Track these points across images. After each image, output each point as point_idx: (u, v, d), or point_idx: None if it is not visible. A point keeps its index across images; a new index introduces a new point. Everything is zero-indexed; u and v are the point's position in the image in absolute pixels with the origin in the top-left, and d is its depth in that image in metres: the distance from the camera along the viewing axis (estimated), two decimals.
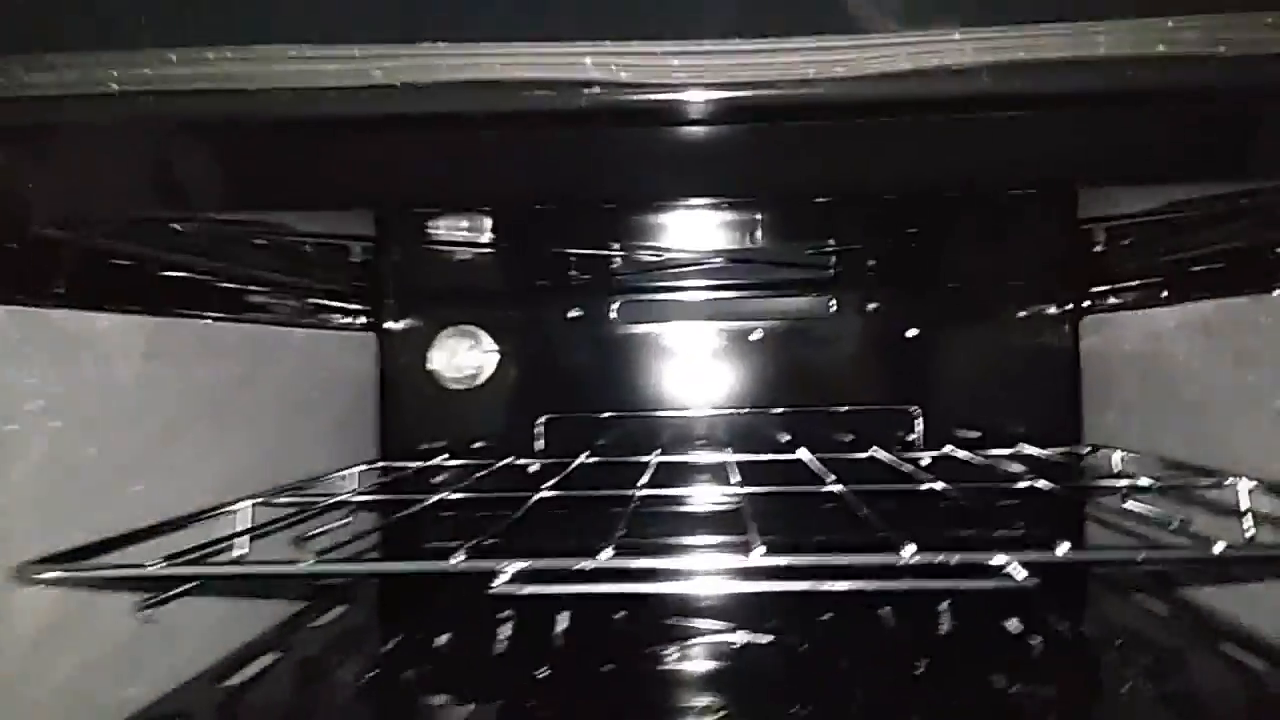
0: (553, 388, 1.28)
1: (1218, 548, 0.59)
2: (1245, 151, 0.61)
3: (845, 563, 0.60)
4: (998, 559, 0.58)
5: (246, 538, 0.77)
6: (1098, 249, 1.19)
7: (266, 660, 0.87)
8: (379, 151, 0.58)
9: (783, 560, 0.60)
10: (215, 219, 0.79)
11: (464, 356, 1.26)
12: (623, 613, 0.98)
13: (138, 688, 0.73)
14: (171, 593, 0.76)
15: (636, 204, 1.00)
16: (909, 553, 0.58)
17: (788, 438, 1.26)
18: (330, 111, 0.51)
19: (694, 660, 0.86)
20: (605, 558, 0.59)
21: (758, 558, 0.59)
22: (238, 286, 0.92)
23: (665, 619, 0.96)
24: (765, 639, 0.93)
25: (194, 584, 0.79)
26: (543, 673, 0.83)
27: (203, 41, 0.50)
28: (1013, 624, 0.91)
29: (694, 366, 1.27)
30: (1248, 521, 0.79)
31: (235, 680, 0.82)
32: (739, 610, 1.00)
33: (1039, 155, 0.62)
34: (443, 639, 0.95)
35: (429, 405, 1.27)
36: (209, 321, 0.87)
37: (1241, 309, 0.91)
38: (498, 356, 1.26)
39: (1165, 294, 1.06)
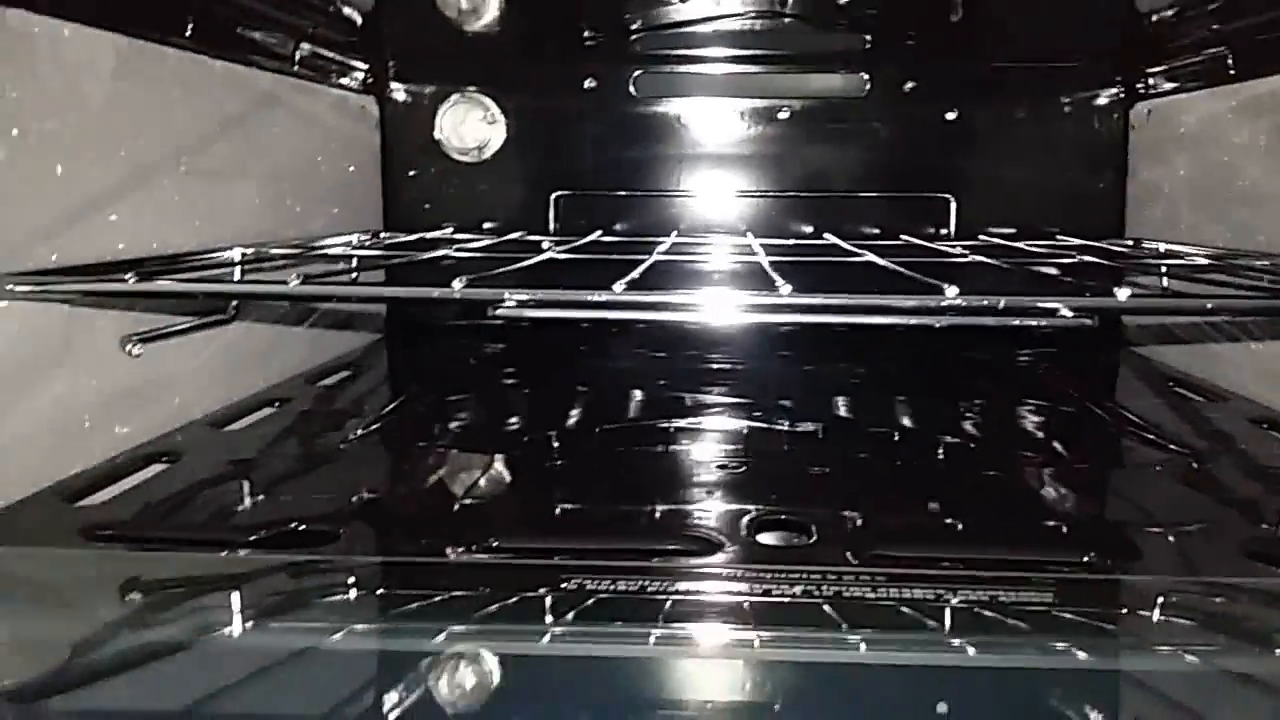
0: (567, 164, 1.21)
1: None
2: None
3: (884, 304, 0.54)
4: (1048, 303, 0.53)
5: (237, 270, 0.72)
6: (1155, 18, 1.09)
7: (269, 410, 0.84)
8: None
9: (816, 299, 0.54)
10: None
11: (471, 126, 1.19)
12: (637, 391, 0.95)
13: (131, 427, 0.70)
14: (161, 330, 0.72)
15: None
16: (952, 293, 0.53)
17: (812, 229, 1.20)
18: None
19: (710, 431, 0.83)
20: (619, 289, 0.53)
21: (786, 295, 0.54)
22: (221, 13, 0.84)
23: (683, 392, 0.93)
24: (785, 403, 0.90)
25: (186, 324, 0.75)
26: (554, 428, 0.80)
27: None
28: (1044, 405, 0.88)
29: (717, 146, 1.20)
30: None
31: (236, 426, 0.79)
32: (760, 380, 0.97)
33: None
34: (453, 398, 0.92)
35: (435, 179, 1.20)
36: (190, 54, 0.79)
37: None
38: (506, 127, 1.18)
39: (1227, 70, 0.97)
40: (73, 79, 0.65)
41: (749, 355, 1.14)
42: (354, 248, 0.94)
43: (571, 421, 0.84)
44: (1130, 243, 1.11)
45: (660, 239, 1.03)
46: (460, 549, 0.49)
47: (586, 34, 1.17)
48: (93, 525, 0.54)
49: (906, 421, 0.86)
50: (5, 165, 0.58)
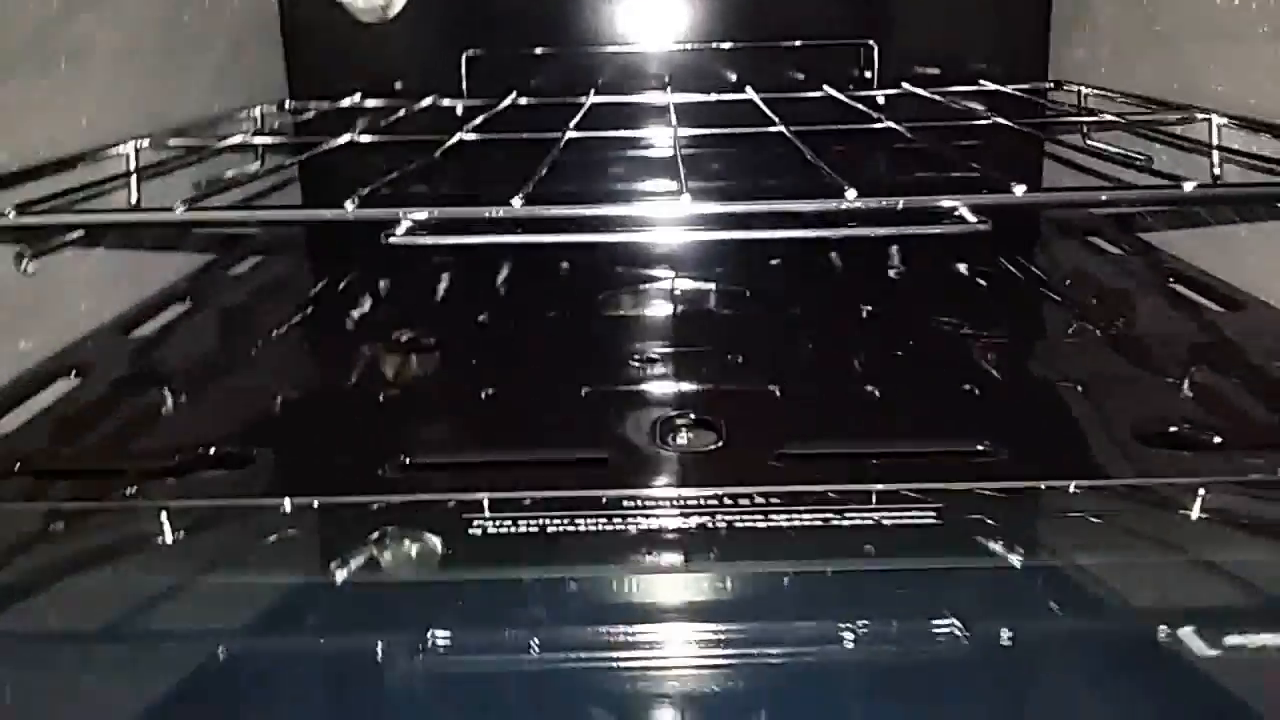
0: (476, 20, 1.15)
1: (1188, 186, 0.54)
2: None
3: (784, 209, 0.54)
4: (946, 202, 0.53)
5: (134, 179, 0.69)
6: None
7: (179, 308, 0.83)
8: None
9: (715, 207, 0.54)
10: None
11: None
12: (564, 263, 0.94)
13: (31, 341, 0.69)
14: (52, 243, 0.70)
15: None
16: (851, 195, 0.53)
17: (734, 77, 1.17)
18: None
19: (633, 308, 0.83)
20: (517, 204, 0.52)
21: (686, 204, 0.53)
22: None
23: (607, 266, 0.93)
24: (707, 286, 0.90)
25: (73, 233, 0.73)
26: (481, 316, 0.80)
27: None
28: (963, 268, 0.89)
29: None
30: (1215, 158, 0.75)
31: (146, 330, 0.78)
32: (682, 258, 0.96)
33: None
34: (374, 286, 0.91)
35: (338, 42, 1.14)
36: None
37: None
38: None
39: None
40: None
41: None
42: (257, 131, 0.90)
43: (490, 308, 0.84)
44: (1051, 84, 1.10)
45: (578, 100, 1.00)
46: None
47: None
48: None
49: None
50: None
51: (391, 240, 0.51)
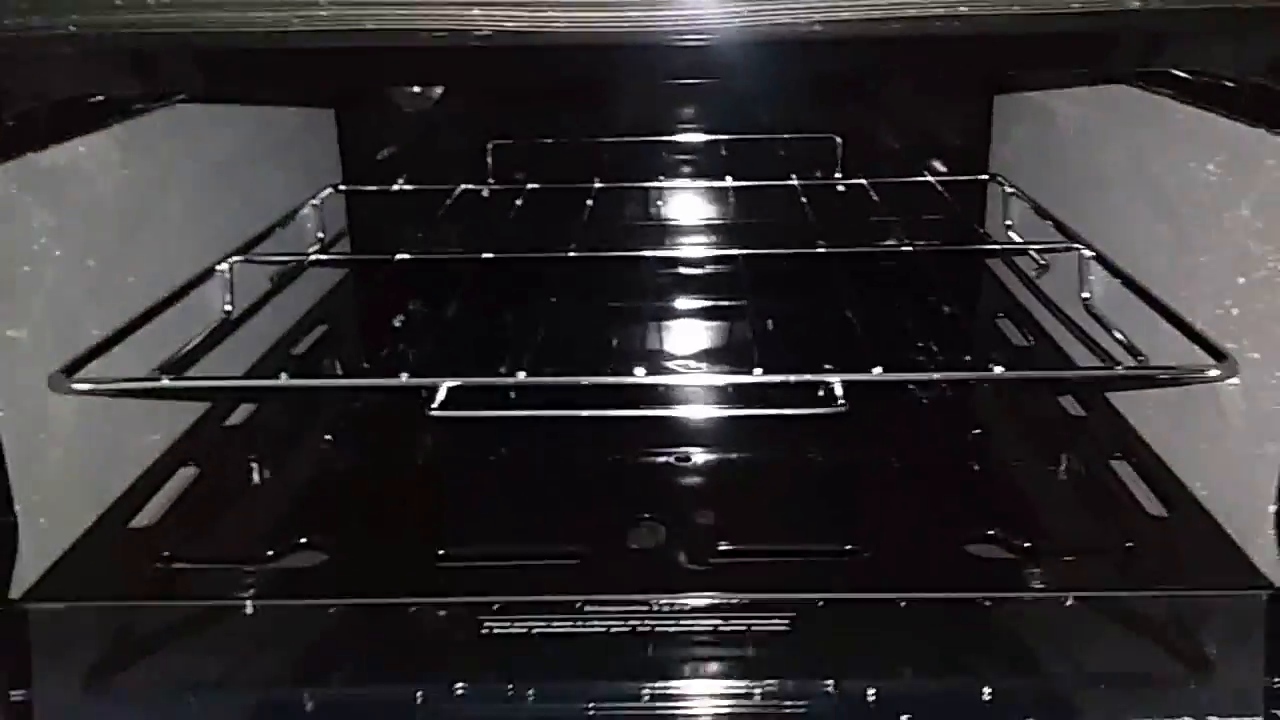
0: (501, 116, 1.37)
1: (996, 369, 0.75)
2: None
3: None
4: (813, 377, 0.74)
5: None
6: None
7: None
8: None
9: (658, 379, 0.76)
10: None
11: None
12: None
13: (161, 433, 0.92)
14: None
15: None
16: (759, 372, 0.75)
17: (719, 166, 1.36)
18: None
19: None
20: (522, 376, 0.75)
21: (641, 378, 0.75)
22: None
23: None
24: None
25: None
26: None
27: None
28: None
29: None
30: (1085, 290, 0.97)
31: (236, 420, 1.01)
32: None
33: None
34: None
35: (386, 131, 1.38)
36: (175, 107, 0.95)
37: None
38: None
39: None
40: (90, 184, 0.82)
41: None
42: (319, 243, 1.13)
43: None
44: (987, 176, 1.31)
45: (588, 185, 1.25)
46: None
47: None
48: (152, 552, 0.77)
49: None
50: (57, 282, 0.76)
51: (432, 413, 0.73)
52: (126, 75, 0.69)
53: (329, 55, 0.63)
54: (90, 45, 0.60)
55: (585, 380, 0.76)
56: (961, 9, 0.57)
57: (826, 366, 0.75)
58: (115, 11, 0.59)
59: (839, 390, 0.74)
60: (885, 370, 0.75)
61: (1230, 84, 0.75)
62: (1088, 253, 0.99)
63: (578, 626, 0.65)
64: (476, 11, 0.58)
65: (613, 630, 0.65)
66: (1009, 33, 0.59)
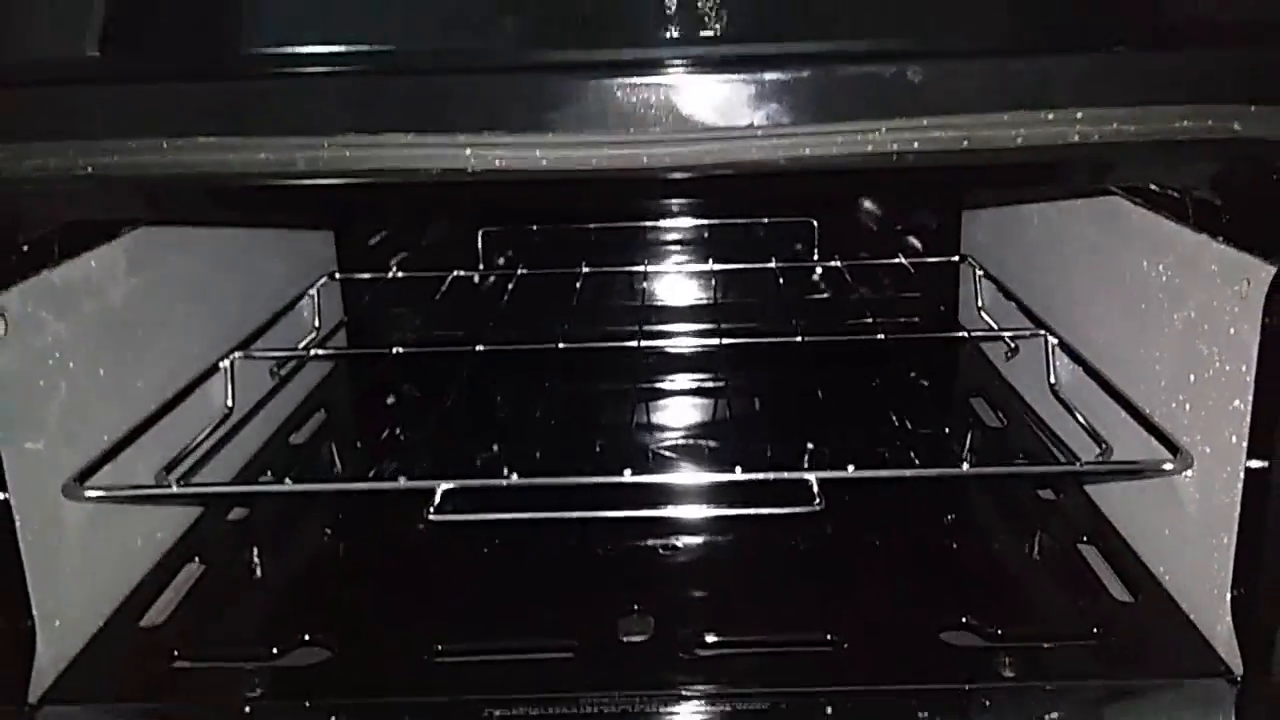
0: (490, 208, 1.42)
1: (964, 466, 0.79)
2: None
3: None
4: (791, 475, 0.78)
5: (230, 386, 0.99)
6: None
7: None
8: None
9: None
10: None
11: None
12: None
13: (166, 533, 0.95)
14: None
15: None
16: (739, 470, 0.79)
17: (701, 249, 1.42)
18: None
19: None
20: (515, 478, 0.79)
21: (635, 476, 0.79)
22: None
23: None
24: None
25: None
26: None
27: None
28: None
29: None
30: (1052, 376, 1.02)
31: (238, 515, 1.04)
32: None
33: None
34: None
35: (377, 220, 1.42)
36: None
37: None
38: None
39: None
40: (100, 295, 0.86)
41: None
42: (315, 336, 1.17)
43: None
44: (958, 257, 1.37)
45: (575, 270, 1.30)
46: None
47: None
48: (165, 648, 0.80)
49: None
50: (71, 391, 0.80)
51: (431, 518, 0.77)
52: (139, 205, 0.74)
53: (330, 190, 0.68)
54: (106, 183, 0.64)
55: (575, 481, 0.80)
56: (915, 144, 0.62)
57: (804, 466, 0.79)
58: (130, 154, 0.63)
59: (815, 487, 0.78)
60: (858, 468, 0.79)
61: (1175, 193, 0.80)
62: (1053, 339, 1.04)
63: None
64: (468, 151, 0.63)
65: None
66: (960, 164, 0.64)
